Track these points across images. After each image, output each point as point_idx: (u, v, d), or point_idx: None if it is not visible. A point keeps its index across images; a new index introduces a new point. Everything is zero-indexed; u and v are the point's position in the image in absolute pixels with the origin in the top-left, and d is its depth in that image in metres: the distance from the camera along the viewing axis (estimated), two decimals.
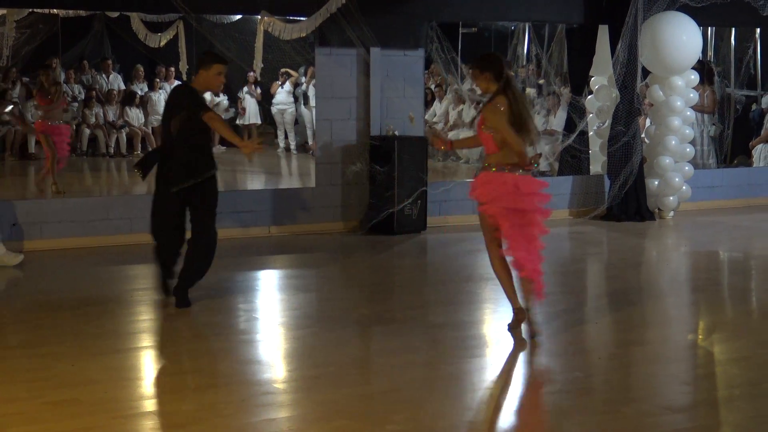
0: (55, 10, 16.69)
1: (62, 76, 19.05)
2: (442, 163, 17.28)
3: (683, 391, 6.82)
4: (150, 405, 6.30)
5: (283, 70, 19.46)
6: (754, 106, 16.84)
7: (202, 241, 8.45)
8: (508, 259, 7.60)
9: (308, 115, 19.22)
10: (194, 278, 8.56)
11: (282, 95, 20.09)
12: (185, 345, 7.67)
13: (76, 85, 19.70)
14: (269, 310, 9.01)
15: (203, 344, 7.68)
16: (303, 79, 19.66)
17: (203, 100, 8.62)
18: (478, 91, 17.88)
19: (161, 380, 6.89)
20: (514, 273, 7.66)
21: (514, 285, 7.69)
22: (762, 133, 16.29)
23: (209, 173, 8.47)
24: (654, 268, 11.51)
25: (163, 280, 8.70)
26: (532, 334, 7.62)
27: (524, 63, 18.33)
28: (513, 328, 7.72)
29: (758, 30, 17.04)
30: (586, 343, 8.12)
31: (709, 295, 9.99)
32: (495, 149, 7.49)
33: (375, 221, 12.35)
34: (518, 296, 7.67)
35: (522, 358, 7.50)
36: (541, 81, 17.04)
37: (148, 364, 7.28)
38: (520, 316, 7.67)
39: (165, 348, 7.63)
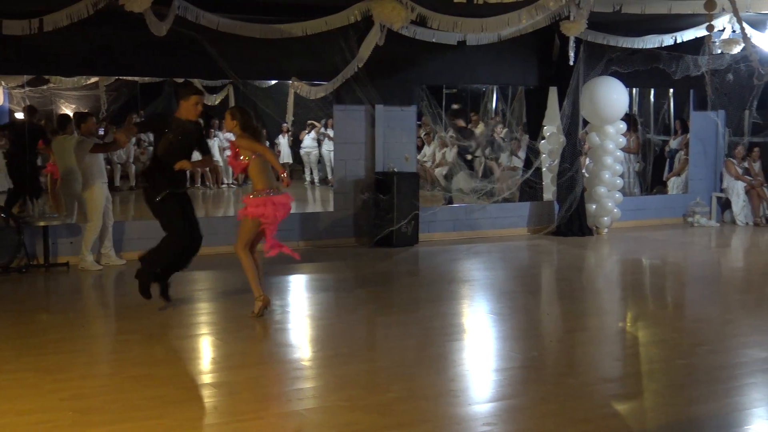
0: (135, 77, 16.77)
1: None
2: (430, 193, 17.24)
3: (615, 366, 6.81)
4: (207, 378, 6.28)
5: (309, 121, 19.47)
6: (668, 148, 16.83)
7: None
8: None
9: (328, 155, 19.22)
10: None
11: (308, 141, 20.09)
12: (234, 332, 7.63)
13: (151, 134, 19.66)
14: (298, 304, 8.99)
15: (248, 331, 7.65)
16: (323, 129, 19.64)
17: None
18: (458, 137, 17.96)
19: (216, 360, 6.87)
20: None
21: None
22: (674, 168, 16.28)
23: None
24: (592, 272, 11.48)
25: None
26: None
27: (493, 115, 18.34)
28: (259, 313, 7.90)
29: (671, 90, 17.06)
30: (540, 329, 8.10)
31: (635, 292, 9.96)
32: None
33: (379, 237, 12.34)
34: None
35: (491, 341, 7.49)
36: (505, 129, 17.00)
37: (205, 347, 7.26)
38: (265, 300, 7.94)
39: (218, 335, 7.60)
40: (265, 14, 11.09)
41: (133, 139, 17.95)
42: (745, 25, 11.91)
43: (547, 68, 13.73)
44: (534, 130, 14.45)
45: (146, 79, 17.81)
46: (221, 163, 19.15)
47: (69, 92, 18.41)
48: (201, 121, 8.26)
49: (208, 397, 5.80)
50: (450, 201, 14.39)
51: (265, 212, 7.79)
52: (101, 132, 14.36)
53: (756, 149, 15.60)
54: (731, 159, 15.31)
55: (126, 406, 5.51)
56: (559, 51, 13.24)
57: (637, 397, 5.90)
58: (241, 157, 7.85)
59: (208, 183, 19.36)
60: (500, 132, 16.84)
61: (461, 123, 17.61)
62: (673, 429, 5.27)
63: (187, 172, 8.65)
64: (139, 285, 8.12)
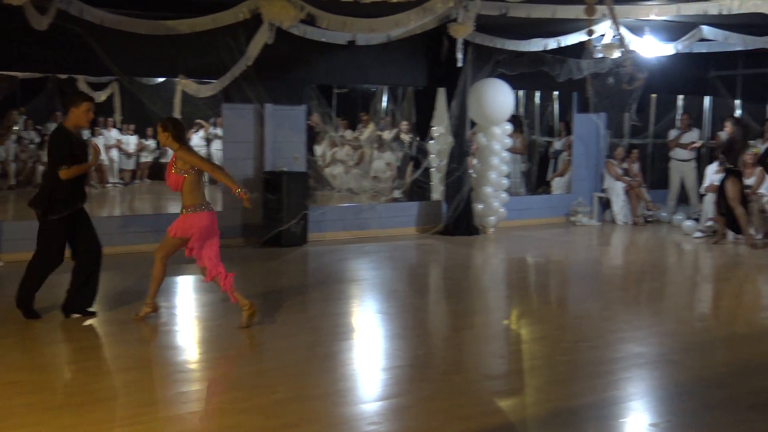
0: (15, 73, 16.10)
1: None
2: (320, 192, 17.21)
3: (499, 363, 6.92)
4: (84, 383, 6.09)
5: (197, 120, 19.15)
6: (552, 149, 17.24)
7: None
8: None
9: (217, 155, 18.93)
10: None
11: (196, 140, 19.77)
12: (118, 335, 7.42)
13: (33, 131, 19.05)
14: (185, 306, 8.84)
15: (133, 334, 7.46)
16: (212, 129, 19.33)
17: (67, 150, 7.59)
18: (348, 137, 17.98)
19: (95, 364, 6.66)
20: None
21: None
22: (558, 169, 16.69)
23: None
24: (479, 271, 11.65)
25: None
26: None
27: (383, 116, 18.44)
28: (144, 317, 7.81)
29: (556, 93, 17.49)
30: (427, 327, 8.18)
31: (519, 290, 10.16)
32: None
33: (268, 237, 12.25)
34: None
35: (379, 340, 7.51)
36: (403, 128, 17.10)
37: (85, 352, 7.04)
38: (154, 308, 7.89)
39: (99, 338, 7.40)
40: (151, 10, 10.85)
41: (13, 136, 17.30)
42: (624, 30, 12.32)
43: (435, 69, 13.89)
44: (423, 130, 14.60)
45: (27, 75, 17.18)
46: (106, 162, 18.65)
47: None
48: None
49: (80, 403, 5.60)
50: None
51: (187, 233, 7.59)
52: None
53: (635, 151, 16.15)
54: (612, 160, 15.80)
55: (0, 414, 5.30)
56: (447, 52, 13.39)
57: (520, 393, 6.02)
58: (181, 171, 7.48)
59: (92, 182, 18.81)
60: (406, 131, 16.78)
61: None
62: (553, 423, 5.40)
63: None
64: (23, 313, 7.80)
